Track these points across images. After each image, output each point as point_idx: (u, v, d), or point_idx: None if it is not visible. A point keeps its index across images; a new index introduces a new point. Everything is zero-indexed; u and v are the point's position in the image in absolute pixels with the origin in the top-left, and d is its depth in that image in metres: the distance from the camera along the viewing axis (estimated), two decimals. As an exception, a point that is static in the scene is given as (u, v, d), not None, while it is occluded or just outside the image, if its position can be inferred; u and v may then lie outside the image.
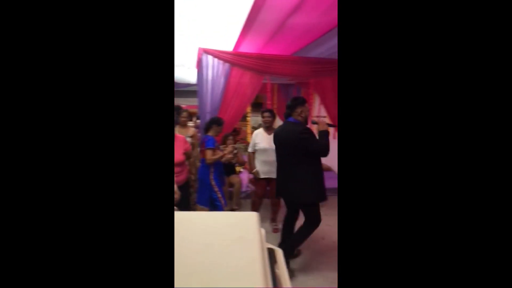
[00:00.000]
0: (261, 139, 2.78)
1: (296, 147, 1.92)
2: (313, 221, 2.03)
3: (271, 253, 0.94)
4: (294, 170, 1.96)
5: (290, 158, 1.99)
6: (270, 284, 0.66)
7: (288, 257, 1.97)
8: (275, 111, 2.98)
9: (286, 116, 2.09)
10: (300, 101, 2.06)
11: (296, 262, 2.26)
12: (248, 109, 4.07)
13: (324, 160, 2.02)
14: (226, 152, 2.59)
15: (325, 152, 1.89)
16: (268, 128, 2.79)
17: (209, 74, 3.22)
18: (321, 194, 2.01)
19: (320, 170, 2.02)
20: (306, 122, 2.08)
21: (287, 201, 2.16)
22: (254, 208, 2.96)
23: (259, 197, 2.91)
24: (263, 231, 0.94)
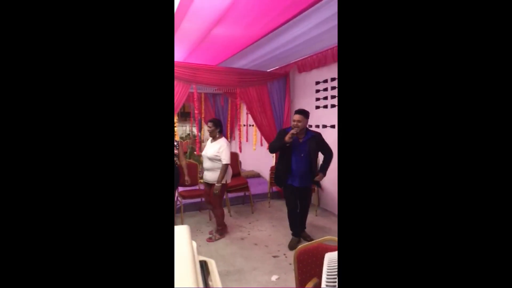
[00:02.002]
0: (205, 147, 2.93)
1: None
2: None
3: (204, 265, 0.92)
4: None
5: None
6: (204, 297, 0.65)
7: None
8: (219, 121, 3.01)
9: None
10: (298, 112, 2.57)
11: (230, 272, 2.26)
12: (175, 118, 3.93)
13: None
14: None
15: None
16: (213, 138, 2.86)
17: (130, 82, 2.99)
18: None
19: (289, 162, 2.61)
20: (297, 129, 2.49)
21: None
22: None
23: (206, 203, 3.07)
24: (194, 244, 0.92)
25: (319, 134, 2.64)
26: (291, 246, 2.62)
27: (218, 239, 2.85)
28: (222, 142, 2.80)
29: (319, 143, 2.61)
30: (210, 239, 2.83)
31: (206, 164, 2.81)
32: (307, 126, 2.63)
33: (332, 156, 2.64)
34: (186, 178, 3.10)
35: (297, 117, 2.51)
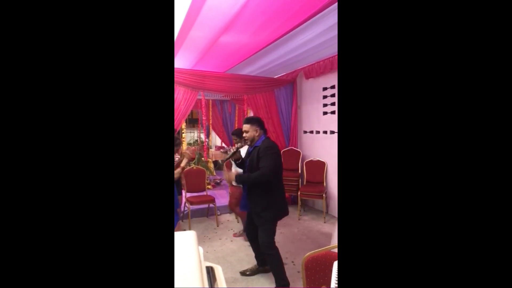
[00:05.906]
0: None
1: None
2: None
3: (210, 271, 0.92)
4: None
5: None
6: (210, 303, 0.64)
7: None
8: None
9: None
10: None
11: (237, 280, 2.23)
12: (183, 125, 3.98)
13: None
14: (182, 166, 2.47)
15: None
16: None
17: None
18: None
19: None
20: (245, 142, 2.16)
21: None
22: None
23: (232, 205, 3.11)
24: (201, 249, 0.91)
25: (265, 143, 1.90)
26: (251, 270, 2.31)
27: (242, 235, 3.02)
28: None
29: (260, 153, 1.84)
30: (235, 234, 3.05)
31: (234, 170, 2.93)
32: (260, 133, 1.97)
33: (263, 176, 1.81)
34: (183, 182, 3.35)
35: (244, 127, 1.98)
